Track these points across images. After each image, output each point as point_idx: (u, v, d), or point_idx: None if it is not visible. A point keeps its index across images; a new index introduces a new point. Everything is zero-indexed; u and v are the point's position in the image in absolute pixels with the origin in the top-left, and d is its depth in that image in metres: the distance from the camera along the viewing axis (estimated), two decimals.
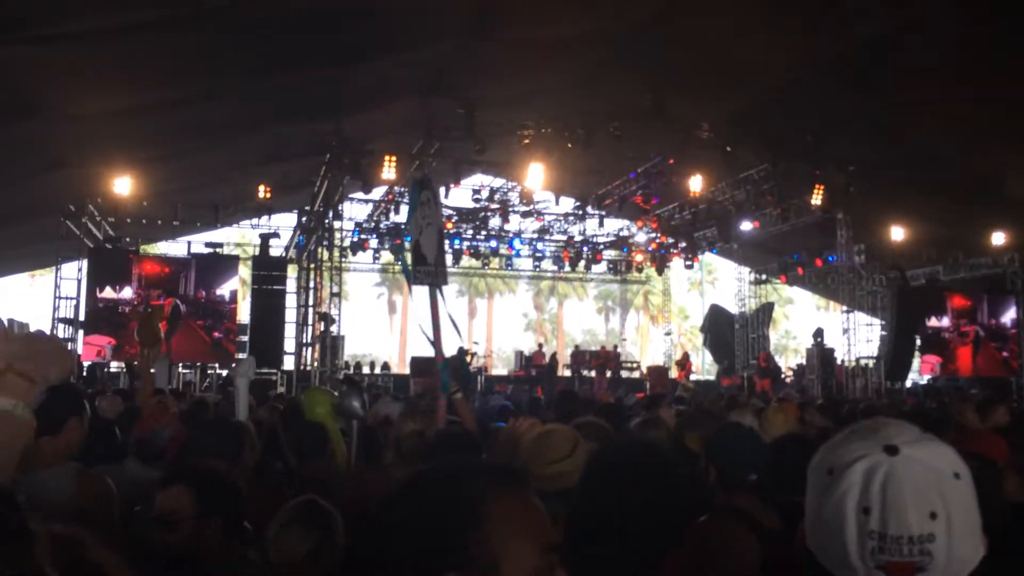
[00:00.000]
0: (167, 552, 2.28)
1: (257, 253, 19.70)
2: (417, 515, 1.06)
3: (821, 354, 22.08)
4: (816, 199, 17.99)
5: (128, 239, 20.02)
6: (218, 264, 19.06)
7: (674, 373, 25.12)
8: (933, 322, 22.14)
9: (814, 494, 1.17)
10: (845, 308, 21.22)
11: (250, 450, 3.62)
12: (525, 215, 22.05)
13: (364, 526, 1.21)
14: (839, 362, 21.46)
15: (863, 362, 20.73)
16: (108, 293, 17.57)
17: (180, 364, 17.39)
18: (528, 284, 49.83)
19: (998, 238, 20.10)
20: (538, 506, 1.12)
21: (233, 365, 14.04)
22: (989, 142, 15.28)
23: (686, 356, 26.02)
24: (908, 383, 22.10)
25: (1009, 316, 21.96)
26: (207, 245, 20.01)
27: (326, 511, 2.50)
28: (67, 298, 18.39)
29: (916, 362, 22.44)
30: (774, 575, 1.91)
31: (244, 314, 20.14)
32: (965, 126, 14.78)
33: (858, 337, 20.91)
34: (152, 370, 5.76)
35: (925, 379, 22.67)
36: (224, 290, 18.58)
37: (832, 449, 1.18)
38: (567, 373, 24.38)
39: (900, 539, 1.08)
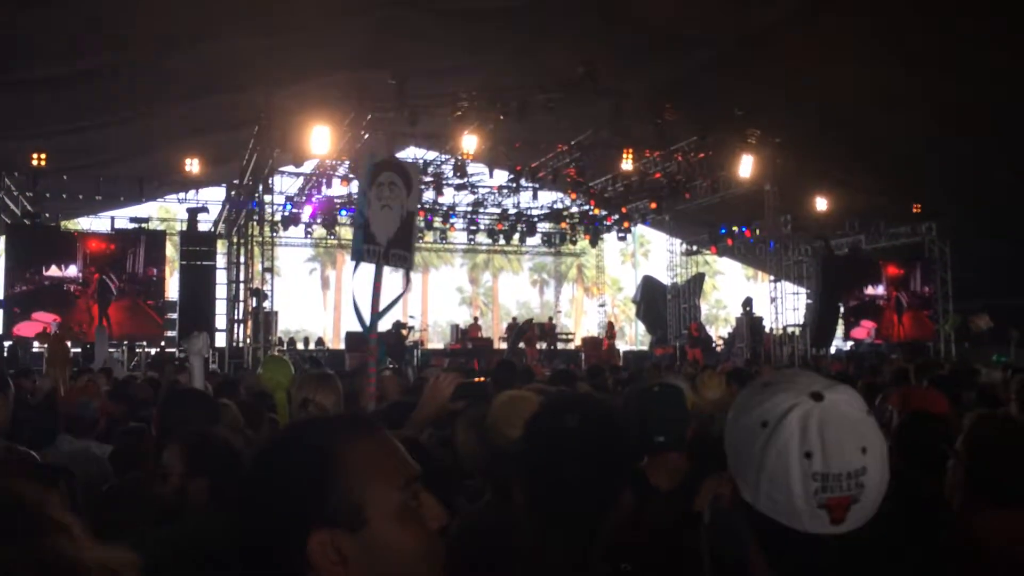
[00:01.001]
0: (158, 504, 2.38)
1: (185, 228, 19.27)
2: (274, 477, 1.08)
3: (750, 323, 22.72)
4: (744, 171, 18.41)
5: (48, 214, 19.34)
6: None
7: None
8: (870, 290, 23.15)
9: (752, 449, 1.21)
10: (772, 278, 21.82)
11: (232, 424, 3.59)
12: (459, 188, 22.00)
13: (231, 495, 1.21)
14: (767, 330, 22.11)
15: (790, 330, 21.39)
16: (53, 271, 17.45)
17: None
18: (463, 257, 49.78)
19: (916, 208, 20.96)
20: (393, 444, 1.15)
21: (185, 342, 13.86)
22: (911, 114, 15.83)
23: (610, 326, 26.52)
24: (832, 349, 22.90)
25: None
26: (132, 220, 19.43)
27: None
28: None
29: (841, 328, 23.28)
30: (659, 533, 1.99)
31: (172, 291, 19.75)
32: (888, 98, 15.29)
33: (785, 306, 21.54)
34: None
35: (849, 344, 23.56)
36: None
37: (754, 405, 1.24)
38: (503, 346, 24.55)
39: (840, 476, 1.16)
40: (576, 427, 1.74)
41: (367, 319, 4.26)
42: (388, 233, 4.20)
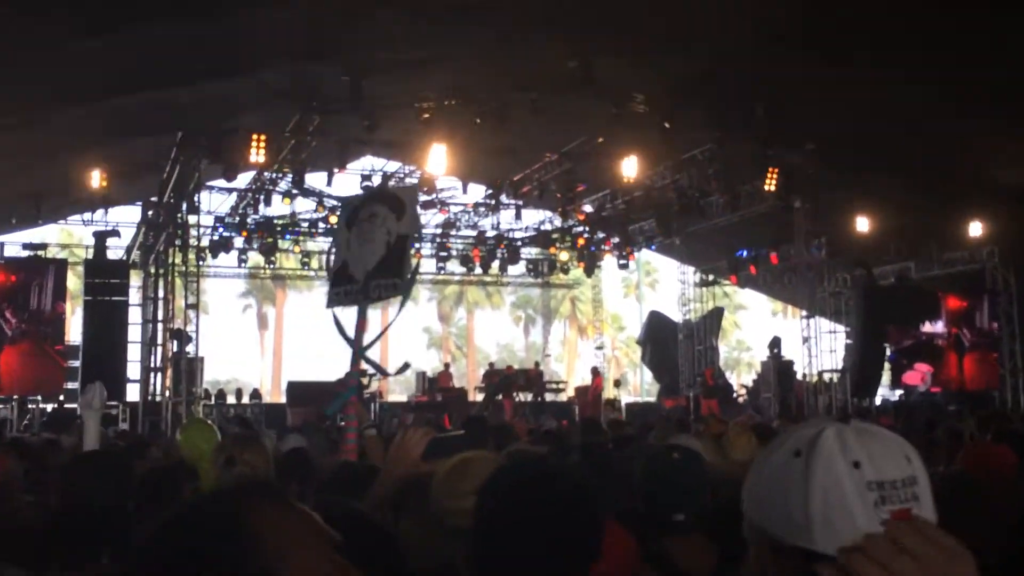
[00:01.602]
0: None
1: (91, 256, 19.08)
2: (186, 552, 1.10)
3: (778, 368, 22.72)
4: (769, 184, 18.48)
5: None
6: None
7: (611, 393, 25.50)
8: (927, 327, 23.18)
9: (791, 483, 1.25)
10: (805, 313, 21.85)
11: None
12: (426, 206, 21.97)
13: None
14: (799, 377, 22.10)
15: (826, 376, 21.39)
16: None
17: None
18: (431, 290, 49.69)
19: (975, 229, 20.98)
20: (308, 512, 1.21)
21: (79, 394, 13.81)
22: (969, 116, 15.95)
23: (595, 371, 26.22)
24: (878, 399, 22.90)
25: None
26: (25, 247, 19.31)
27: None
28: None
29: (887, 374, 23.31)
30: None
31: (75, 332, 19.54)
32: (941, 99, 15.42)
33: (820, 347, 21.57)
34: None
35: (898, 393, 23.56)
36: None
37: (778, 445, 1.32)
38: (479, 397, 24.42)
39: (896, 483, 1.21)
40: (520, 499, 1.82)
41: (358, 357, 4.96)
42: (367, 266, 4.74)
